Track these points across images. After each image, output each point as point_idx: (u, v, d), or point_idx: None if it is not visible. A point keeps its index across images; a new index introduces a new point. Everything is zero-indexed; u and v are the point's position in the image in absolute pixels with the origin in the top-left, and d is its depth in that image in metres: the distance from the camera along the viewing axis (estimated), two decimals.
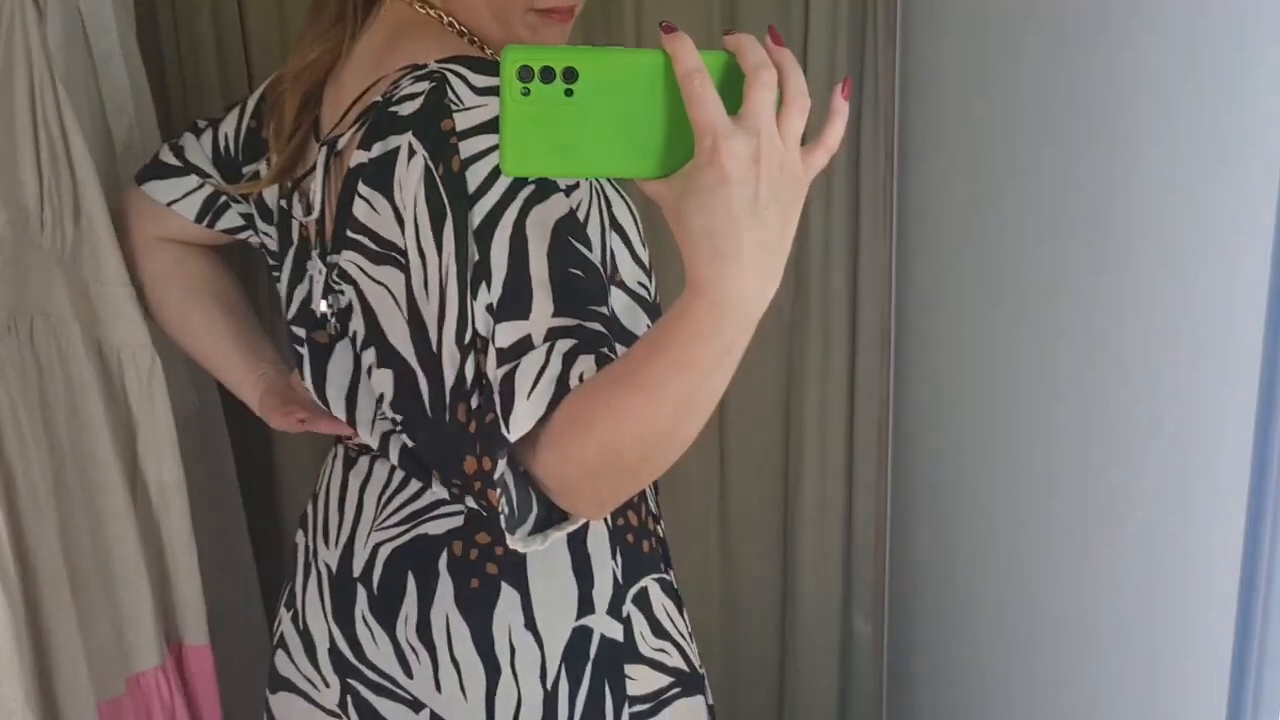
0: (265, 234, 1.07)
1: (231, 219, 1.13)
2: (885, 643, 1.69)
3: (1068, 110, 1.01)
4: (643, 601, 1.01)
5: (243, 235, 1.14)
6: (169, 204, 1.12)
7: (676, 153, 0.65)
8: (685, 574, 1.26)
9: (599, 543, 0.98)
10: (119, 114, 1.28)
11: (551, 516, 0.83)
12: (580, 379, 0.77)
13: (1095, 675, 1.00)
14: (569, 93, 0.63)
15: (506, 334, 0.78)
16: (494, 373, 0.78)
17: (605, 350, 0.79)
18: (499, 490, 0.78)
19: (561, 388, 0.76)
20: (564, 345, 0.78)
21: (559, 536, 0.83)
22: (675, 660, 1.03)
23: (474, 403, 0.80)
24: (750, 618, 1.70)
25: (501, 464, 0.78)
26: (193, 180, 1.12)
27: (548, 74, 0.62)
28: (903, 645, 1.65)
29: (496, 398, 0.78)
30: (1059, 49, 1.03)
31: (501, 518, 0.79)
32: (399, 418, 0.90)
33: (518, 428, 0.76)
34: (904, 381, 1.57)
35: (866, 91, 1.48)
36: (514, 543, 0.80)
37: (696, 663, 1.06)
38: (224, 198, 1.12)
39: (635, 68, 0.63)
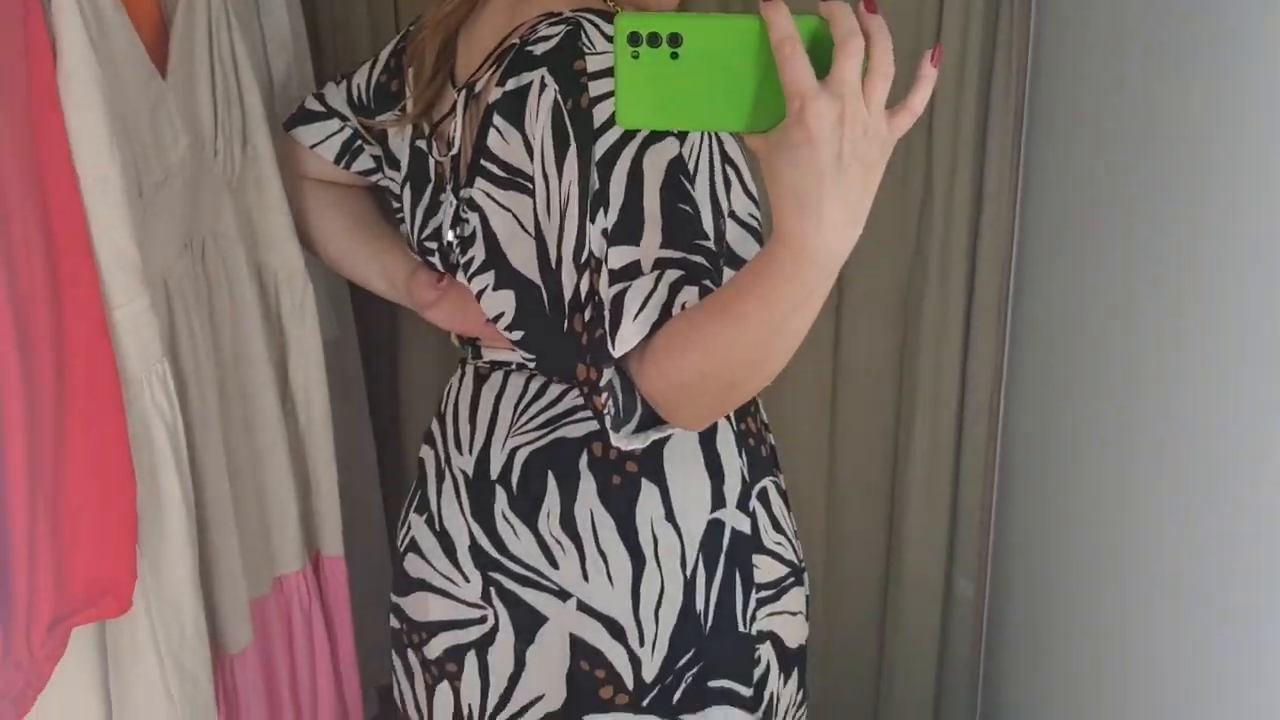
0: (390, 179, 1.18)
1: (364, 162, 1.22)
2: (986, 604, 1.71)
3: (1202, 94, 1.01)
4: (764, 499, 1.11)
5: (373, 178, 1.24)
6: (312, 146, 1.22)
7: (771, 111, 0.70)
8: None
9: (727, 443, 1.07)
10: (280, 52, 1.35)
11: (655, 418, 0.92)
12: (682, 307, 0.85)
13: (1198, 660, 1.02)
14: (674, 55, 0.69)
15: (618, 257, 0.87)
16: (606, 291, 0.87)
17: (708, 282, 0.87)
18: (604, 395, 0.88)
19: (665, 313, 0.85)
20: (672, 275, 0.86)
21: (657, 437, 0.92)
22: (789, 554, 1.14)
23: (587, 315, 0.89)
24: (856, 573, 1.74)
25: (608, 374, 0.88)
26: (334, 124, 1.22)
27: (654, 39, 0.69)
28: (1002, 607, 1.67)
29: (607, 315, 0.87)
30: (1194, 34, 1.03)
31: (607, 418, 0.88)
32: (518, 334, 1.01)
33: (622, 345, 0.86)
34: (1019, 349, 1.59)
35: (997, 74, 1.49)
36: (617, 440, 0.90)
37: (800, 557, 1.17)
38: (359, 142, 1.21)
39: (734, 33, 0.69)
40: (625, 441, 0.90)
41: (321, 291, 1.34)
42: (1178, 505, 1.07)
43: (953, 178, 1.53)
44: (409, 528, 1.14)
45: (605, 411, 0.89)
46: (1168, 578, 1.10)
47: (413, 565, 1.12)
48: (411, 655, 1.14)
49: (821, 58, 0.68)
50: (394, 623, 1.15)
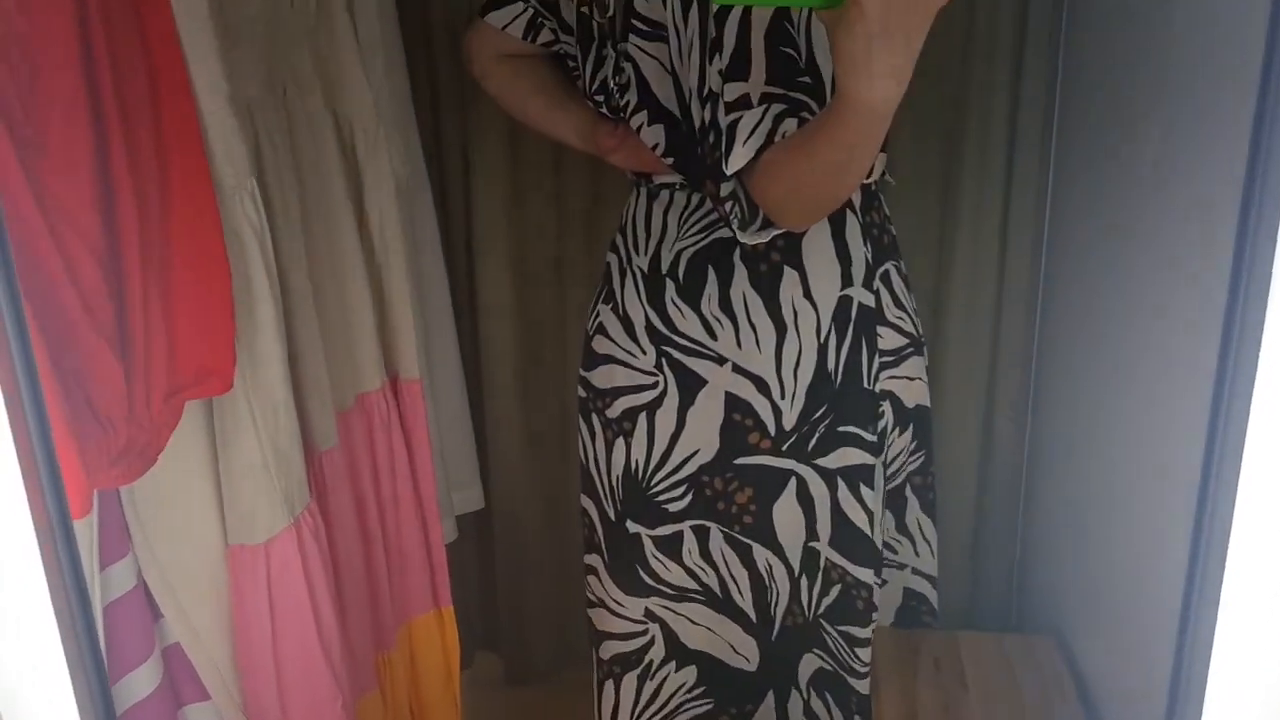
0: (566, 43, 1.41)
1: (546, 35, 1.43)
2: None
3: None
4: (886, 279, 1.33)
5: (555, 47, 1.43)
6: (503, 28, 1.43)
7: None
8: None
9: (854, 233, 1.28)
10: None
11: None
12: (782, 135, 1.06)
13: None
14: None
15: (731, 91, 1.08)
16: (723, 120, 1.08)
17: (805, 114, 1.07)
18: (729, 204, 1.11)
19: (769, 139, 1.07)
20: (776, 108, 1.06)
21: (776, 233, 1.13)
22: (909, 326, 1.36)
23: (709, 139, 1.10)
24: None
25: (725, 187, 1.10)
26: (519, 6, 1.42)
27: None
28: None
29: (723, 140, 1.08)
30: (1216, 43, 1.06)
31: (734, 221, 1.12)
32: (671, 159, 1.24)
33: (733, 165, 1.07)
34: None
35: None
36: (742, 237, 1.12)
37: (919, 331, 1.37)
38: (540, 18, 1.41)
39: None
40: (750, 238, 1.12)
41: (393, 135, 1.46)
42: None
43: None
44: (597, 315, 1.38)
45: (733, 216, 1.11)
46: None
47: (599, 344, 1.37)
48: (595, 418, 1.39)
49: None
50: (581, 392, 1.41)
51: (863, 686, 1.45)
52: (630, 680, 1.49)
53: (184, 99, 0.98)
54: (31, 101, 0.84)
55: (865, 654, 1.43)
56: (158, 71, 0.96)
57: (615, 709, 1.51)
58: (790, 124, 1.06)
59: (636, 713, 1.51)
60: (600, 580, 1.47)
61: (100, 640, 0.96)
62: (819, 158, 1.01)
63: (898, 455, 1.41)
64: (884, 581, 1.48)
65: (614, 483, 1.39)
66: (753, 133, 1.06)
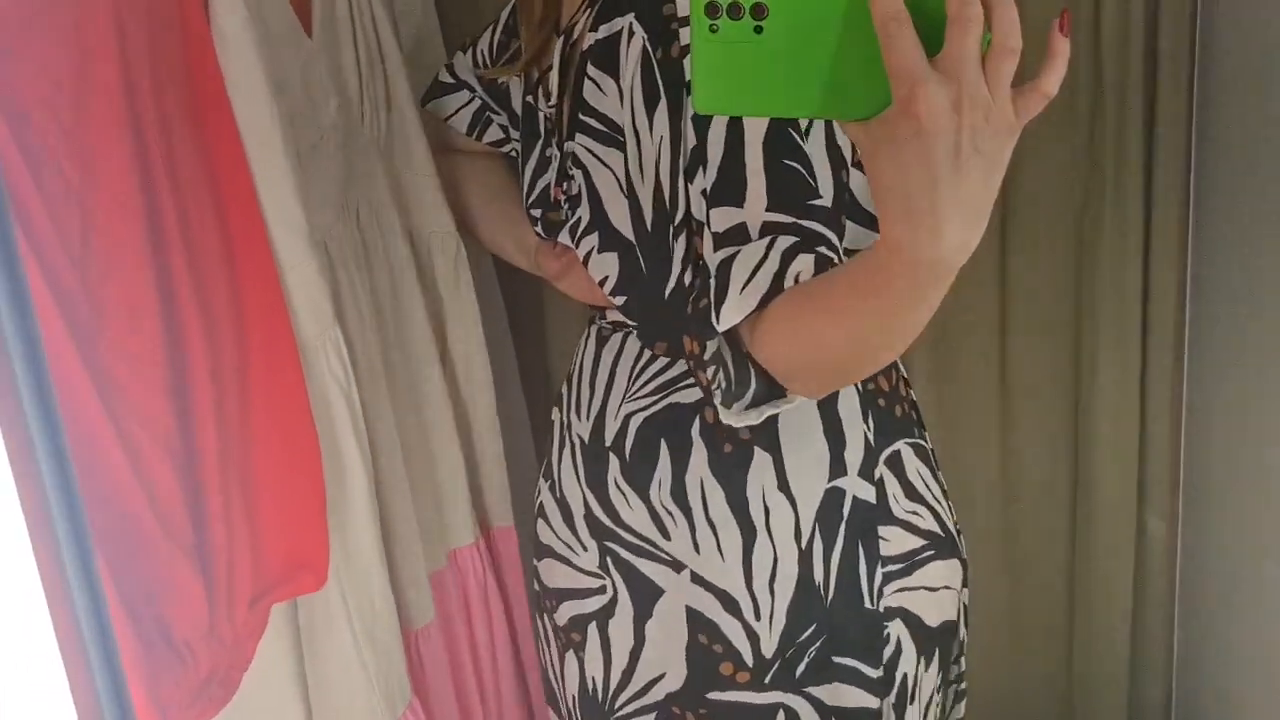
0: (516, 141, 1.14)
1: (494, 132, 1.19)
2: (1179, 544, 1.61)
3: None
4: (895, 464, 1.02)
5: (504, 148, 1.20)
6: (446, 119, 1.20)
7: (873, 95, 0.60)
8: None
9: (850, 406, 0.99)
10: (407, 17, 1.31)
11: (771, 392, 0.85)
12: (796, 279, 0.78)
13: None
14: (758, 29, 0.59)
15: (721, 219, 0.81)
16: (711, 257, 0.81)
17: (824, 249, 0.80)
18: (712, 369, 0.83)
19: (776, 285, 0.79)
20: (784, 243, 0.79)
21: (772, 413, 0.85)
22: (928, 523, 1.04)
23: (687, 281, 0.84)
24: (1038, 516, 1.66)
25: (711, 346, 0.83)
26: (464, 95, 1.19)
27: (735, 10, 0.59)
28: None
29: (712, 283, 0.80)
30: None
31: (717, 393, 0.83)
32: (620, 299, 0.94)
33: (727, 319, 0.80)
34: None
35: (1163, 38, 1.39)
36: (727, 417, 0.84)
37: (951, 524, 1.06)
38: (488, 112, 1.18)
39: (827, 5, 0.59)
40: (737, 418, 0.84)
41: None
42: None
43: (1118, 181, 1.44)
44: (539, 493, 1.12)
45: (715, 386, 0.83)
46: None
47: (542, 531, 1.10)
48: (546, 620, 1.12)
49: (931, 32, 0.57)
50: (535, 585, 1.14)
51: None
52: None
53: (259, 243, 0.82)
54: (87, 262, 0.68)
55: None
56: (226, 211, 0.80)
57: None
58: (804, 262, 0.79)
59: None
60: None
61: None
62: (855, 321, 0.74)
63: (928, 694, 1.07)
64: None
65: (571, 703, 1.11)
66: (754, 274, 0.79)
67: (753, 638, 0.99)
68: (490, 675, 1.20)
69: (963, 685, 1.13)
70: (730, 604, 0.98)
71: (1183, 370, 1.56)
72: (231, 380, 0.80)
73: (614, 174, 0.92)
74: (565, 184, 0.99)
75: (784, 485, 0.97)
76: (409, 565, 1.05)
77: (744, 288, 0.79)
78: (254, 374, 0.82)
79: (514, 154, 1.18)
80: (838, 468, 0.98)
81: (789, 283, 0.79)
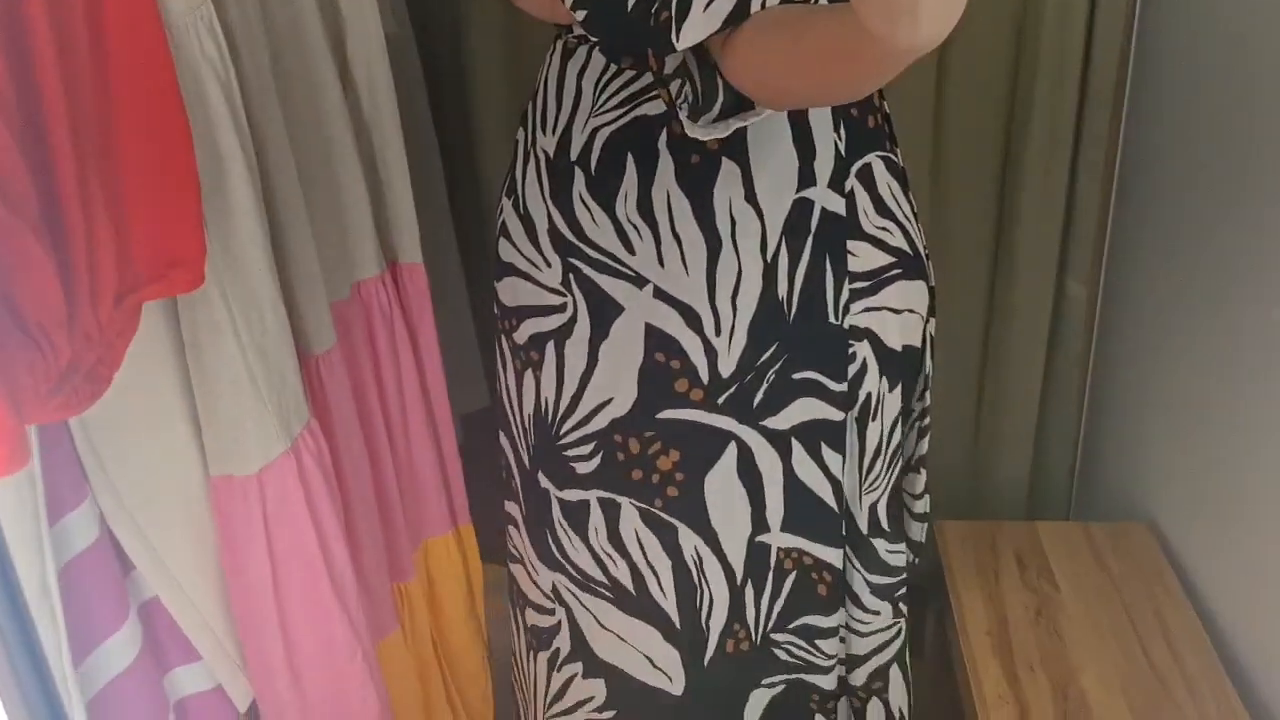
0: None
1: None
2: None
3: None
4: (866, 177, 0.99)
5: None
6: None
7: None
8: None
9: (821, 115, 0.96)
10: None
11: (740, 104, 0.82)
12: (763, 4, 0.76)
13: None
14: None
15: None
16: None
17: None
18: (677, 83, 0.80)
19: (741, 8, 0.75)
20: None
21: (740, 125, 0.82)
22: (897, 240, 1.02)
23: None
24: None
25: (671, 61, 0.80)
26: None
27: None
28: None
29: (673, 1, 0.77)
30: None
31: (684, 107, 0.80)
32: (583, 14, 0.89)
33: (687, 38, 0.77)
34: None
35: None
36: (692, 130, 0.81)
37: (920, 245, 1.04)
38: None
39: None
40: (704, 131, 0.81)
41: None
42: None
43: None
44: (500, 211, 1.08)
45: (681, 100, 0.81)
46: None
47: (504, 249, 1.07)
48: (505, 341, 1.10)
49: None
50: (494, 308, 1.12)
51: (826, 681, 1.15)
52: (542, 661, 1.23)
53: None
54: None
55: (830, 646, 1.13)
56: None
57: (536, 686, 1.25)
58: None
59: (549, 701, 1.24)
60: (520, 533, 1.22)
61: (59, 618, 0.75)
62: (816, 74, 0.73)
63: (893, 417, 1.06)
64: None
65: (525, 422, 1.11)
66: None
67: (711, 354, 0.98)
68: (397, 407, 1.16)
69: (926, 421, 1.13)
70: (692, 318, 0.97)
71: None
72: (85, 56, 0.72)
73: None
74: None
75: (751, 196, 0.95)
76: (306, 287, 1.00)
77: (707, 6, 0.76)
78: (112, 53, 0.74)
79: None
80: (807, 178, 0.96)
81: (755, 7, 0.76)
